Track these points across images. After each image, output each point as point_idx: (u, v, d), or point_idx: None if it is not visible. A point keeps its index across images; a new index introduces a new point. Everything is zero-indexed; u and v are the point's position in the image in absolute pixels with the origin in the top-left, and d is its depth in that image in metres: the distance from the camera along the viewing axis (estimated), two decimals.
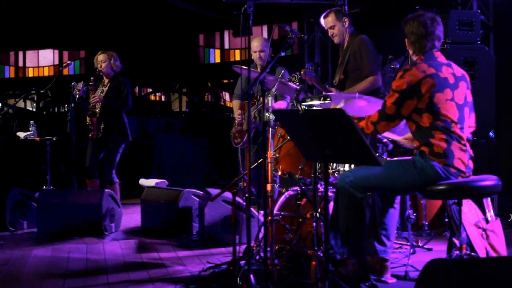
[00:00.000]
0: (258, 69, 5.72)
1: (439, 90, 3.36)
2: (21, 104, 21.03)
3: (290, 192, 4.21)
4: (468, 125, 3.51)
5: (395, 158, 4.07)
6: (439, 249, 4.55)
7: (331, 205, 3.87)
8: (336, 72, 5.24)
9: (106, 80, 6.36)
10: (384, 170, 3.46)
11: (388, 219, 3.70)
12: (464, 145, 3.41)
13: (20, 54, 25.26)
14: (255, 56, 5.76)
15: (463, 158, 3.39)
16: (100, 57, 6.31)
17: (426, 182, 3.38)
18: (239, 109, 5.79)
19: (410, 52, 3.59)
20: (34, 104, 22.82)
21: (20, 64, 25.39)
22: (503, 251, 4.00)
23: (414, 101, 3.37)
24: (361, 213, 3.50)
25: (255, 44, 5.75)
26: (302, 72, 4.90)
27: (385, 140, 4.19)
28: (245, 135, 5.69)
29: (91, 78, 6.31)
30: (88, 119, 6.26)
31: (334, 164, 4.15)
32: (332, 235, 3.53)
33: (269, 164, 3.75)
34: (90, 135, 6.27)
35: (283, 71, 5.66)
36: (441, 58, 3.51)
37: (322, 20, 5.24)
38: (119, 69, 6.37)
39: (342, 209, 3.53)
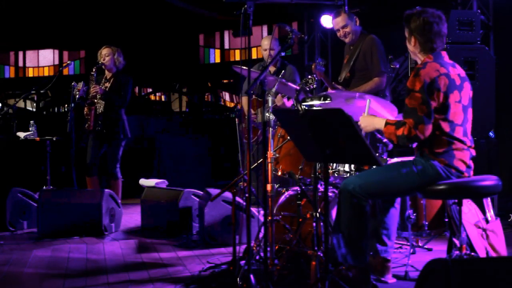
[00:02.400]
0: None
1: (451, 91, 3.35)
2: (21, 104, 21.02)
3: (290, 192, 4.21)
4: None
5: (395, 159, 4.07)
6: (439, 249, 4.56)
7: (334, 209, 3.87)
8: (342, 70, 5.26)
9: (109, 75, 6.39)
10: (385, 175, 3.44)
11: (389, 218, 3.69)
12: (466, 145, 3.40)
13: (20, 54, 25.22)
14: (265, 54, 5.83)
15: (464, 158, 3.38)
16: (104, 51, 6.35)
17: (427, 182, 3.37)
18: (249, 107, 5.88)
19: (416, 50, 3.50)
20: (34, 104, 22.80)
21: (20, 64, 25.36)
22: (503, 251, 4.00)
23: (435, 97, 3.30)
24: (364, 221, 3.46)
25: (265, 42, 5.82)
26: (313, 66, 4.94)
27: (385, 140, 4.18)
28: (258, 132, 5.79)
29: (93, 69, 6.34)
30: (86, 109, 6.27)
31: (334, 164, 4.14)
32: (335, 242, 3.52)
33: (269, 164, 3.76)
34: (86, 125, 6.28)
35: (292, 70, 5.77)
36: (446, 58, 3.49)
37: (332, 21, 5.25)
38: (122, 65, 6.41)
39: (344, 217, 3.49)
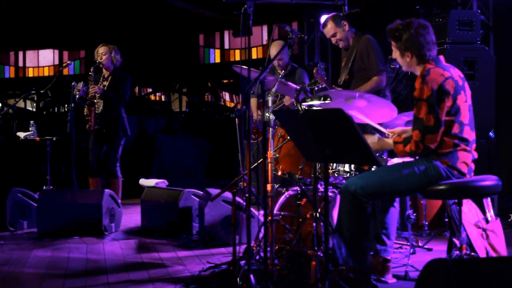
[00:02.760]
0: (278, 71, 5.93)
1: (458, 92, 3.35)
2: (21, 104, 21.04)
3: (290, 192, 4.21)
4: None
5: (395, 159, 4.07)
6: (439, 249, 4.56)
7: (334, 209, 3.87)
8: (341, 72, 5.27)
9: (106, 73, 6.38)
10: (387, 176, 3.44)
11: (388, 218, 3.69)
12: (469, 145, 3.41)
13: (20, 54, 25.23)
14: (275, 62, 5.88)
15: (466, 160, 3.39)
16: (101, 49, 6.34)
17: (428, 183, 3.37)
18: (257, 108, 5.91)
19: (413, 63, 3.46)
20: (34, 104, 22.81)
21: (20, 64, 25.37)
22: (503, 251, 4.00)
23: (446, 103, 3.30)
24: (365, 222, 3.45)
25: (273, 52, 5.81)
26: (314, 71, 4.96)
27: None
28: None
29: (91, 69, 6.35)
30: (86, 109, 6.27)
31: (334, 164, 4.15)
32: (336, 243, 3.52)
33: (269, 164, 3.76)
34: (87, 126, 6.28)
35: (302, 72, 5.82)
36: (444, 61, 3.49)
37: (323, 30, 5.31)
38: (119, 63, 6.39)
39: (345, 218, 3.48)
